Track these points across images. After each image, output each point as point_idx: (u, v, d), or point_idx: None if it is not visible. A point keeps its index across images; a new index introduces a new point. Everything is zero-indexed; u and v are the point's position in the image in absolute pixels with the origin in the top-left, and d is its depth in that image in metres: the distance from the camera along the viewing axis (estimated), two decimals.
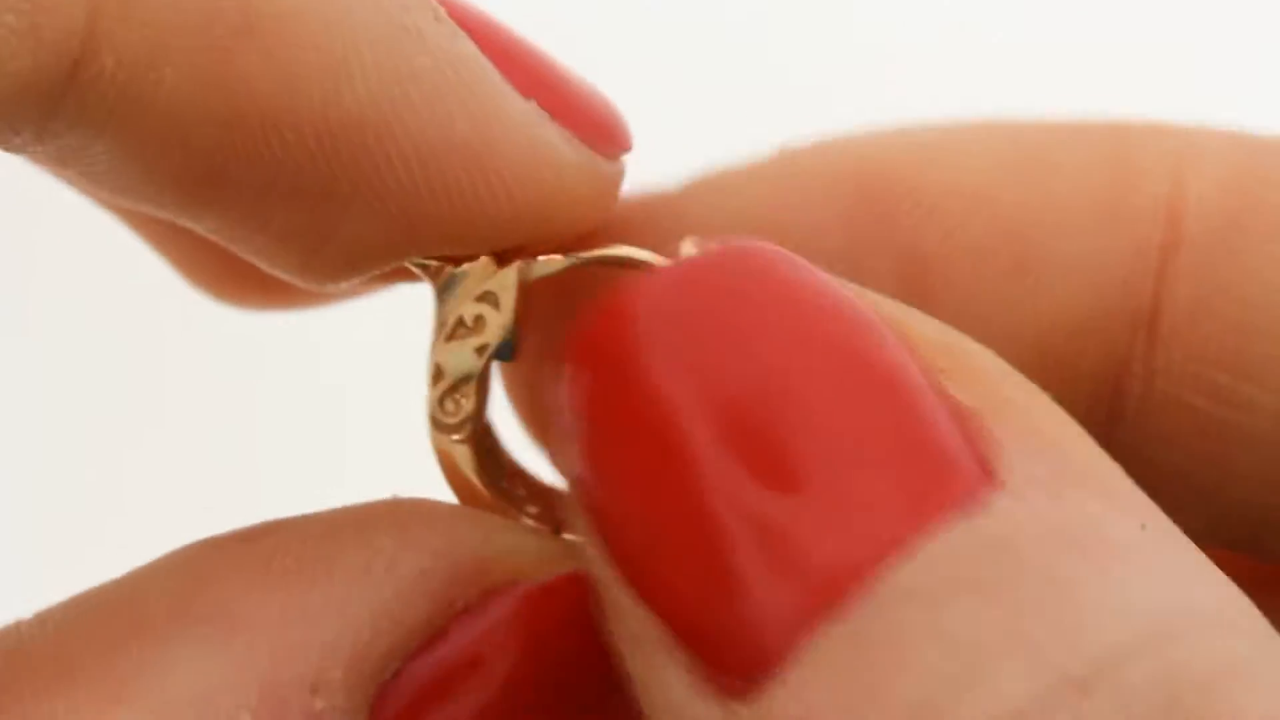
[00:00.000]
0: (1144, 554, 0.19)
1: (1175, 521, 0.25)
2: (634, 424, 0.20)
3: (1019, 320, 0.25)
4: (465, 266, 0.25)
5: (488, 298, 0.25)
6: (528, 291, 0.25)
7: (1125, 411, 0.25)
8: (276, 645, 0.22)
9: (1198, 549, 0.20)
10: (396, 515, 0.23)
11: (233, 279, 0.28)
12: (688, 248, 0.23)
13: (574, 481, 0.21)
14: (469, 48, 0.23)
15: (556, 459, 0.23)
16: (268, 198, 0.23)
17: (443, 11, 0.23)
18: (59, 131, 0.21)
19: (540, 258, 0.25)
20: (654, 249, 0.25)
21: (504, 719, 0.23)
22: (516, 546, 0.24)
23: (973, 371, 0.21)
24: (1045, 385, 0.25)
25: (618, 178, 0.25)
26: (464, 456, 0.25)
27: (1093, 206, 0.25)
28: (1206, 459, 0.25)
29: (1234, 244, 0.24)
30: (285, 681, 0.22)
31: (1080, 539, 0.19)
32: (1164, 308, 0.25)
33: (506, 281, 0.25)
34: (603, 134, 0.25)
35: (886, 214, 0.25)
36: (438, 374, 0.25)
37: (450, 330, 0.25)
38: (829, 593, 0.19)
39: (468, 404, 0.25)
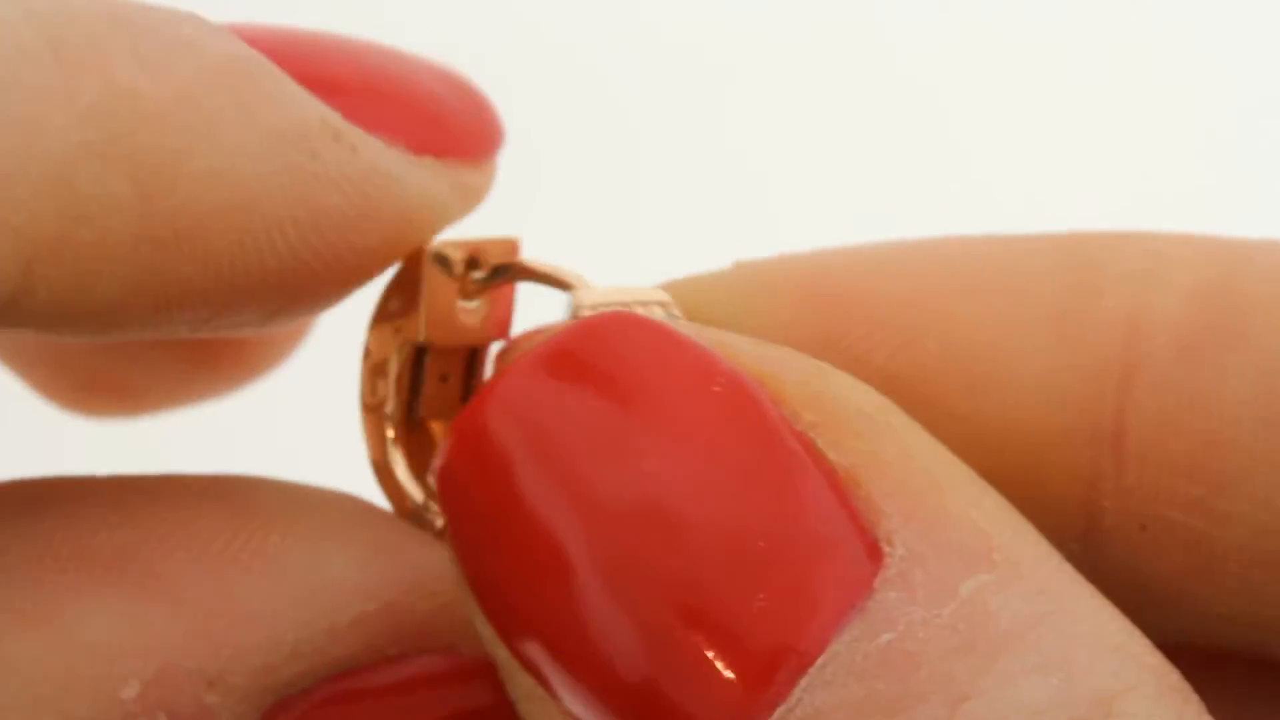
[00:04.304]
0: (1037, 642, 0.19)
1: (1175, 630, 0.25)
2: (504, 523, 0.20)
3: (976, 438, 0.25)
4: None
5: (408, 287, 0.25)
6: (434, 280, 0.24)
7: (1103, 527, 0.25)
8: (192, 631, 0.22)
9: (1105, 614, 0.20)
10: (363, 537, 0.23)
11: (83, 390, 0.28)
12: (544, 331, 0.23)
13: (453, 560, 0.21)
14: (369, 153, 0.23)
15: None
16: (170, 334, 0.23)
17: (341, 124, 0.23)
18: None
19: (455, 246, 0.24)
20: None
21: None
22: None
23: (843, 424, 0.20)
24: (1012, 503, 0.25)
25: (484, 180, 0.25)
26: (391, 447, 0.25)
27: (1049, 324, 0.25)
28: (1192, 571, 0.24)
29: (1200, 356, 0.24)
30: (186, 668, 0.22)
31: (970, 636, 0.19)
32: (1130, 424, 0.24)
33: (422, 273, 0.24)
34: (462, 147, 0.24)
35: (837, 328, 0.25)
36: (366, 353, 0.25)
37: (378, 311, 0.25)
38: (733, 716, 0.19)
39: (384, 387, 0.25)
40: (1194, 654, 0.26)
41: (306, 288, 0.23)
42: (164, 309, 0.22)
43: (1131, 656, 0.19)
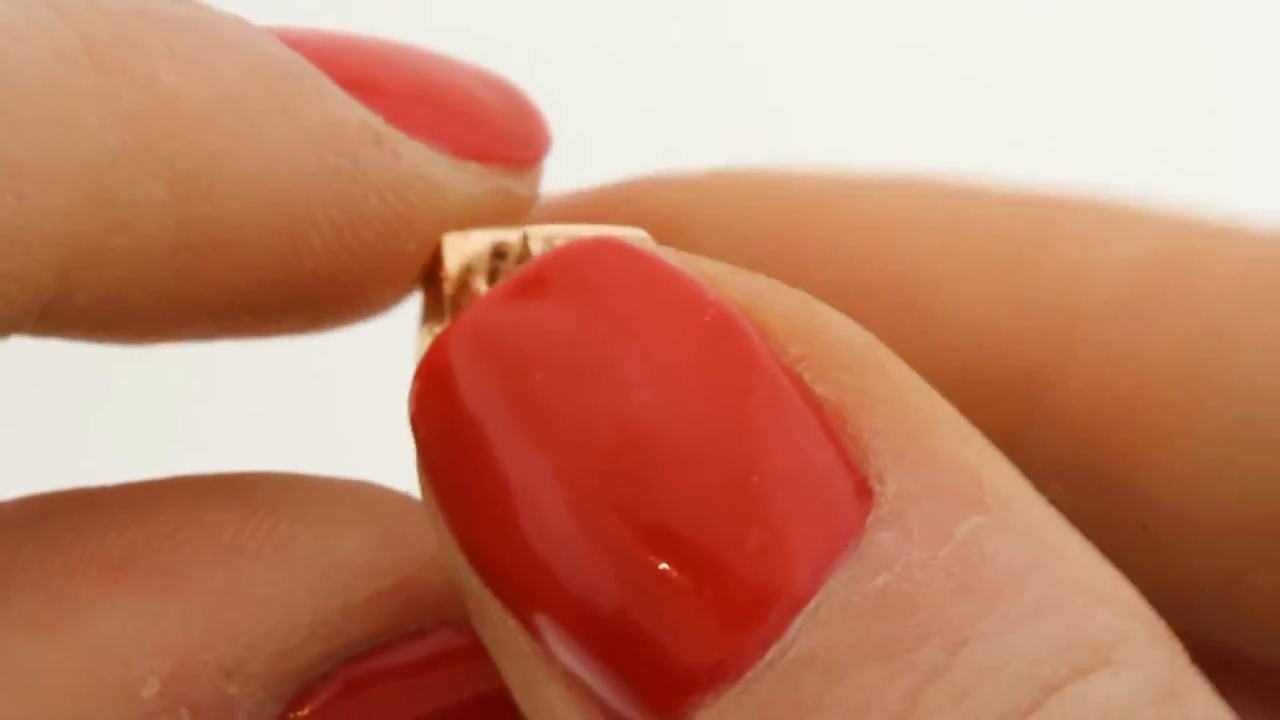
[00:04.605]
0: (1033, 587, 0.19)
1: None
2: (477, 453, 0.19)
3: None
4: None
5: (435, 284, 0.24)
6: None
7: (1025, 471, 0.26)
8: (207, 622, 0.22)
9: (1094, 560, 0.20)
10: (372, 517, 0.23)
11: None
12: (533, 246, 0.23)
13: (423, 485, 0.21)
14: (411, 158, 0.23)
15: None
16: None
17: (383, 128, 0.23)
18: (25, 333, 0.22)
19: (478, 237, 0.23)
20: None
21: None
22: None
23: (831, 358, 0.20)
24: None
25: (529, 189, 0.24)
26: None
27: (1000, 270, 0.26)
28: (1111, 520, 0.25)
29: (1136, 318, 0.25)
30: (204, 660, 0.22)
31: (967, 580, 0.19)
32: (1063, 374, 0.25)
33: (443, 268, 0.24)
34: (507, 152, 0.24)
35: (797, 237, 0.26)
36: (417, 357, 0.23)
37: (423, 313, 0.24)
38: (723, 662, 0.18)
39: None
40: None
41: (348, 294, 0.23)
42: (203, 315, 0.22)
43: (1123, 604, 0.19)
